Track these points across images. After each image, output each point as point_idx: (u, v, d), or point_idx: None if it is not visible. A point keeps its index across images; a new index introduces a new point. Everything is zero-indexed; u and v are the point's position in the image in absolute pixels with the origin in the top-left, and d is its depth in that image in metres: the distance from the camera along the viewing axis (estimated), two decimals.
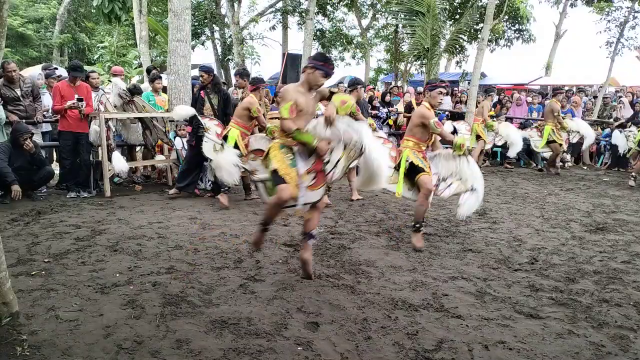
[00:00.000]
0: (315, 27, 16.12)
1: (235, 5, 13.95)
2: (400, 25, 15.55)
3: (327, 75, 3.58)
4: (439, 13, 12.18)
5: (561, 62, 24.10)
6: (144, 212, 5.65)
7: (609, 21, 13.00)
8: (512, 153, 9.51)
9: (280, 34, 17.47)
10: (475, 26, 15.05)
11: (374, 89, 15.81)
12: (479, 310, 3.24)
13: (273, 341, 2.75)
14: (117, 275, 3.66)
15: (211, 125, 6.27)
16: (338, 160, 3.59)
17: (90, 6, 17.48)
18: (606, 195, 7.32)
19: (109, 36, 18.74)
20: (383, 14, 18.82)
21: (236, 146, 6.08)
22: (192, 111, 6.26)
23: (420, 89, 12.04)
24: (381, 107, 10.69)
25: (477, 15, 14.04)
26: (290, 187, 3.39)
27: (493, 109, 10.70)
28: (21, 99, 6.53)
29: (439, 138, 4.93)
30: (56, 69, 9.72)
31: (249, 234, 4.87)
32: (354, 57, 22.02)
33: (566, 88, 14.56)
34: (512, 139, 9.22)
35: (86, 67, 8.55)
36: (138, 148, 7.97)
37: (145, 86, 8.51)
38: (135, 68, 16.37)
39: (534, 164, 10.19)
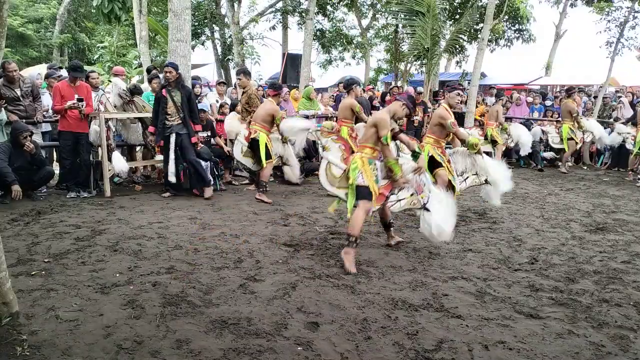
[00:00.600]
0: (315, 27, 16.12)
1: (235, 5, 13.95)
2: (400, 25, 15.53)
3: (410, 114, 4.47)
4: (439, 13, 12.18)
5: (561, 62, 24.08)
6: (144, 212, 5.65)
7: (609, 21, 12.98)
8: (523, 152, 9.86)
9: (280, 34, 17.46)
10: (475, 26, 15.05)
11: (374, 89, 15.81)
12: (479, 310, 3.24)
13: (273, 341, 2.75)
14: (117, 275, 3.66)
15: (242, 130, 6.77)
16: (402, 199, 4.58)
17: (90, 6, 17.48)
18: (606, 195, 7.32)
19: (109, 36, 18.73)
20: (383, 14, 18.81)
21: (267, 149, 6.46)
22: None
23: (420, 89, 12.05)
24: (381, 107, 10.69)
25: (477, 15, 14.04)
26: (373, 204, 4.05)
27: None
28: (21, 99, 6.53)
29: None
30: (60, 68, 9.73)
31: (249, 234, 4.87)
32: (354, 57, 22.02)
33: (566, 88, 14.56)
34: (523, 139, 9.52)
35: (86, 67, 8.54)
36: (138, 148, 7.96)
37: (146, 86, 8.50)
38: (135, 68, 16.36)
39: (534, 164, 10.19)
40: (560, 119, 10.14)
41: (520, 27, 16.86)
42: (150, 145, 6.79)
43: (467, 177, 5.60)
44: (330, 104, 10.23)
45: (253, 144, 6.64)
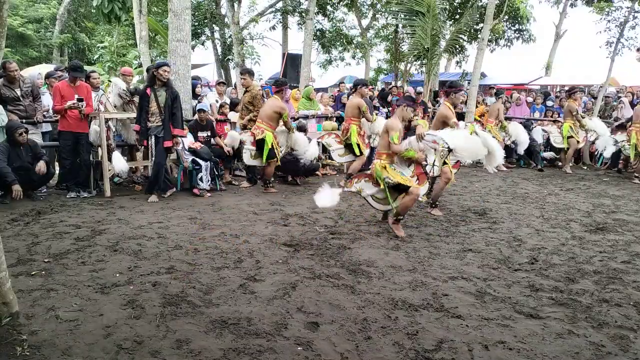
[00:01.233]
0: (315, 27, 16.11)
1: (235, 5, 13.93)
2: (400, 25, 15.53)
3: (414, 109, 5.17)
4: (439, 13, 12.17)
5: (561, 62, 24.11)
6: (144, 212, 5.65)
7: (609, 21, 12.98)
8: (520, 150, 9.96)
9: (280, 34, 17.46)
10: (475, 26, 15.04)
11: (374, 89, 15.79)
12: (479, 310, 3.24)
13: (273, 341, 2.75)
14: (117, 275, 3.66)
15: (246, 138, 6.88)
16: (434, 161, 5.42)
17: (90, 6, 17.48)
18: (606, 195, 7.32)
19: (109, 36, 18.73)
20: (383, 14, 18.80)
21: (272, 148, 6.56)
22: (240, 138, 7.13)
23: (420, 89, 12.04)
24: (381, 107, 10.69)
25: (477, 15, 14.03)
26: (416, 187, 4.89)
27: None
28: (21, 99, 6.53)
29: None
30: (66, 68, 9.70)
31: (249, 234, 4.87)
32: (354, 57, 22.00)
33: (566, 88, 14.55)
34: (521, 138, 9.62)
35: (86, 67, 8.54)
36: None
37: None
38: (135, 68, 16.35)
39: (534, 164, 10.18)
40: (560, 118, 10.15)
41: (520, 27, 16.85)
42: (138, 144, 6.55)
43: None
44: (330, 104, 10.22)
45: (259, 144, 6.71)
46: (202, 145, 7.08)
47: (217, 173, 7.08)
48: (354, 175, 5.91)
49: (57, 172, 6.96)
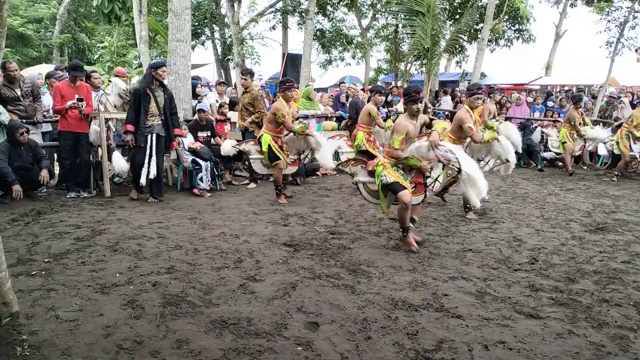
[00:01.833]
0: (315, 27, 16.11)
1: (235, 5, 13.93)
2: (400, 25, 15.53)
3: (418, 102, 4.49)
4: (439, 13, 12.16)
5: (561, 62, 24.12)
6: (144, 212, 5.65)
7: (609, 21, 12.99)
8: (513, 151, 9.76)
9: (280, 34, 17.46)
10: (475, 26, 15.05)
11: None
12: (479, 310, 3.24)
13: (273, 341, 2.75)
14: (117, 275, 3.66)
15: (250, 148, 6.69)
16: (438, 176, 4.72)
17: (90, 6, 17.48)
18: (606, 195, 7.31)
19: (109, 36, 18.73)
20: (383, 14, 18.81)
21: (270, 150, 6.29)
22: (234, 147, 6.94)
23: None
24: (381, 107, 10.68)
25: (477, 15, 14.04)
26: (408, 192, 4.43)
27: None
28: (21, 99, 6.53)
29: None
30: (66, 68, 9.71)
31: (249, 234, 4.87)
32: (354, 57, 22.02)
33: (566, 88, 14.56)
34: (514, 138, 9.33)
35: (86, 67, 8.54)
36: None
37: None
38: (136, 68, 16.35)
39: (534, 164, 10.19)
40: (560, 118, 10.14)
41: (520, 27, 16.87)
42: (131, 144, 6.16)
43: (489, 161, 6.12)
44: (329, 104, 10.21)
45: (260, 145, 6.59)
46: (202, 145, 7.08)
47: (217, 173, 7.08)
48: (350, 158, 5.86)
49: (57, 172, 6.96)
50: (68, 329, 2.80)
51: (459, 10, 15.21)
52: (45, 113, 7.04)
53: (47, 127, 7.37)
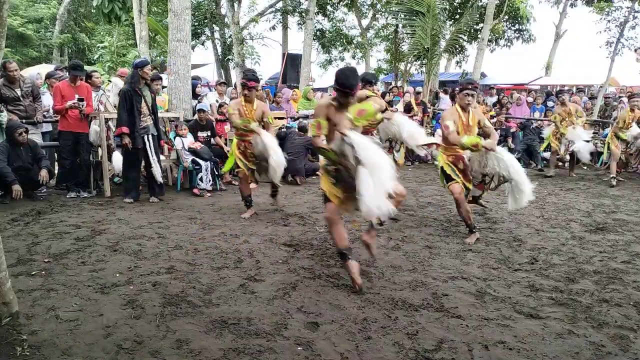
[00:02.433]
0: (315, 27, 16.12)
1: (235, 5, 13.94)
2: (400, 25, 15.54)
3: (346, 86, 3.45)
4: (439, 13, 12.18)
5: (561, 62, 24.19)
6: (144, 212, 5.65)
7: (609, 21, 13.00)
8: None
9: (280, 34, 17.47)
10: (475, 26, 15.05)
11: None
12: (479, 310, 3.24)
13: (273, 341, 2.75)
14: (117, 275, 3.66)
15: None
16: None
17: (90, 6, 17.49)
18: (606, 195, 7.31)
19: (109, 36, 18.73)
20: (383, 14, 18.82)
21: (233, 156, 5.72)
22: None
23: (420, 89, 12.05)
24: None
25: (477, 15, 14.04)
26: (332, 205, 3.55)
27: (493, 108, 10.69)
28: (21, 99, 6.53)
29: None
30: (66, 68, 9.72)
31: (249, 234, 4.87)
32: (354, 57, 22.02)
33: (566, 88, 14.56)
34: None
35: (86, 67, 8.55)
36: None
37: None
38: None
39: (534, 164, 10.18)
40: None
41: (520, 27, 16.87)
42: (129, 146, 6.00)
43: (493, 177, 5.04)
44: None
45: None
46: (202, 145, 7.08)
47: (217, 173, 7.08)
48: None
49: (57, 172, 6.96)
50: (68, 329, 2.80)
51: (459, 10, 15.21)
52: (45, 113, 7.04)
53: (47, 127, 7.37)
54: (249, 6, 16.58)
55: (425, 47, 11.88)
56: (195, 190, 6.73)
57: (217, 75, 17.01)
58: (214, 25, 16.45)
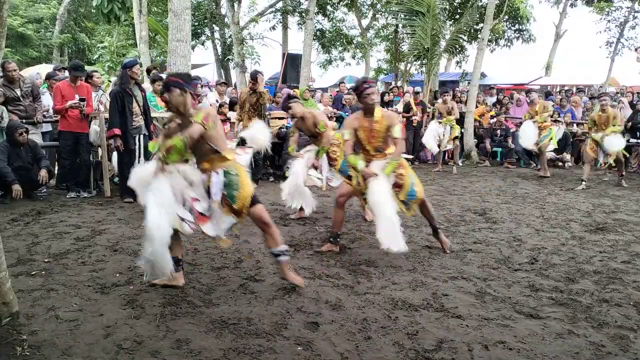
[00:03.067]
0: (315, 27, 16.11)
1: (235, 5, 13.94)
2: (400, 25, 15.53)
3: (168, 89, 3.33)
4: (439, 13, 12.17)
5: (561, 62, 24.14)
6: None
7: (609, 21, 13.04)
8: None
9: (280, 34, 17.47)
10: (475, 26, 15.04)
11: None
12: (479, 310, 3.24)
13: (273, 341, 2.75)
14: (117, 275, 3.66)
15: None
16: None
17: (90, 6, 17.50)
18: (606, 195, 7.31)
19: (109, 36, 18.74)
20: (383, 14, 18.80)
21: None
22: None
23: (419, 89, 12.04)
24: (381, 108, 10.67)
25: (477, 15, 14.03)
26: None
27: (493, 108, 10.69)
28: (21, 99, 6.53)
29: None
30: (64, 69, 9.72)
31: (249, 234, 4.87)
32: (354, 57, 22.00)
33: (566, 88, 14.56)
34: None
35: (86, 67, 8.55)
36: None
37: (147, 86, 8.51)
38: None
39: (534, 164, 10.18)
40: (560, 118, 10.15)
41: (520, 27, 16.85)
42: (121, 148, 5.95)
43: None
44: (329, 104, 10.21)
45: None
46: None
47: None
48: None
49: (57, 172, 6.96)
50: (68, 329, 2.80)
51: (459, 10, 15.19)
52: (45, 113, 7.04)
53: (47, 127, 7.38)
54: (249, 6, 16.59)
55: (425, 47, 11.88)
56: None
57: (217, 75, 17.01)
58: (214, 25, 16.45)
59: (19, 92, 6.52)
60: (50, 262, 3.89)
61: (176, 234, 3.32)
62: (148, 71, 9.42)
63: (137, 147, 6.01)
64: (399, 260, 4.21)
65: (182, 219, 3.32)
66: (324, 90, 17.18)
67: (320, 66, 22.01)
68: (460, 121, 10.61)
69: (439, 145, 9.32)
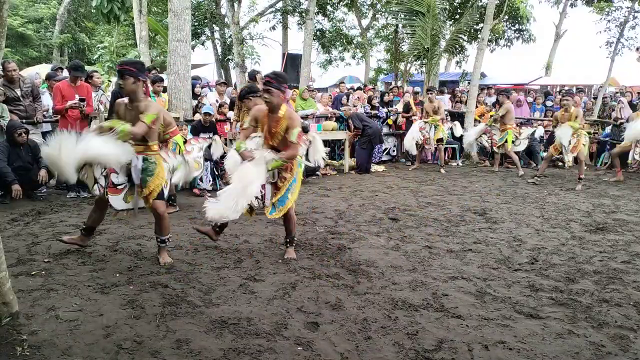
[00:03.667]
0: (315, 27, 16.10)
1: (235, 5, 13.93)
2: (400, 25, 15.52)
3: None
4: (439, 13, 12.16)
5: (561, 62, 24.12)
6: (143, 212, 5.63)
7: (609, 21, 13.00)
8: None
9: (280, 34, 17.46)
10: (475, 26, 15.03)
11: (374, 89, 15.81)
12: (479, 310, 3.24)
13: (273, 341, 2.75)
14: (117, 275, 3.66)
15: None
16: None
17: (90, 6, 17.48)
18: (606, 195, 7.31)
19: (108, 36, 18.74)
20: (383, 14, 18.79)
21: None
22: None
23: (418, 89, 12.04)
24: (380, 107, 10.68)
25: (477, 15, 14.02)
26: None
27: (493, 109, 10.67)
28: (21, 99, 6.53)
29: None
30: (61, 69, 9.72)
31: (249, 234, 4.88)
32: (354, 57, 21.98)
33: (566, 88, 14.56)
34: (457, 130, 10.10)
35: (86, 67, 8.55)
36: None
37: None
38: None
39: (534, 164, 10.18)
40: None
41: (520, 27, 16.83)
42: None
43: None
44: (329, 104, 10.21)
45: None
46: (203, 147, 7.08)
47: (217, 173, 7.08)
48: None
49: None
50: (68, 329, 2.80)
51: (459, 10, 15.18)
52: (45, 113, 7.04)
53: (47, 127, 7.37)
54: (249, 6, 16.57)
55: (425, 47, 11.87)
56: (196, 190, 6.73)
57: (217, 75, 17.00)
58: (214, 25, 16.44)
59: (19, 92, 6.52)
60: (50, 262, 3.89)
61: (102, 202, 3.98)
62: (148, 71, 9.41)
63: None
64: (399, 260, 4.21)
65: (96, 181, 3.93)
66: (324, 90, 17.19)
67: (320, 66, 22.01)
68: (460, 121, 10.62)
69: (422, 145, 9.49)
